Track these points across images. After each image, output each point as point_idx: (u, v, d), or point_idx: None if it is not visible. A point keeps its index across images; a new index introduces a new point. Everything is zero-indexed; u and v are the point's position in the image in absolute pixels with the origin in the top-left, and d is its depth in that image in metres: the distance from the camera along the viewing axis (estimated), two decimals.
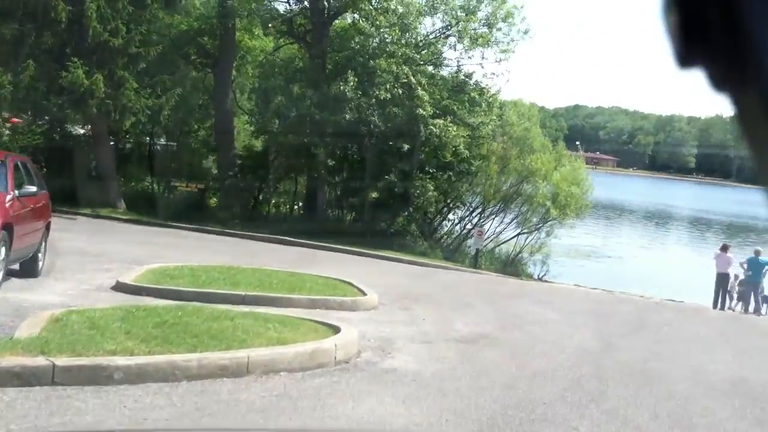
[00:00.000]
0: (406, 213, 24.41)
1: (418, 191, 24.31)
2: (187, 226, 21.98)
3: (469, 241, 25.44)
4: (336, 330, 8.13)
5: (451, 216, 26.77)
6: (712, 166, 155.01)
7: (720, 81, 0.65)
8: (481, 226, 24.66)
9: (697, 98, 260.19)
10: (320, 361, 7.08)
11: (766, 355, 11.36)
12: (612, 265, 32.22)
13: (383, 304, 12.18)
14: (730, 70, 0.64)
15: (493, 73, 25.21)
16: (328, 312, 10.71)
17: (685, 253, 39.77)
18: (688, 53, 0.65)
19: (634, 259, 34.47)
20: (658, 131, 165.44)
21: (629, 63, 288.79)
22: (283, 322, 8.12)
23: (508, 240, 26.10)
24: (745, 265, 20.76)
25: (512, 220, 26.19)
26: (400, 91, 23.66)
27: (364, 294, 12.43)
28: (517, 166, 25.08)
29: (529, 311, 13.51)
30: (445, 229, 26.82)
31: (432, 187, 24.66)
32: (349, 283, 13.34)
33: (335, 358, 7.29)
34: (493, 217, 26.16)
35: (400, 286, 14.86)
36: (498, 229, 26.29)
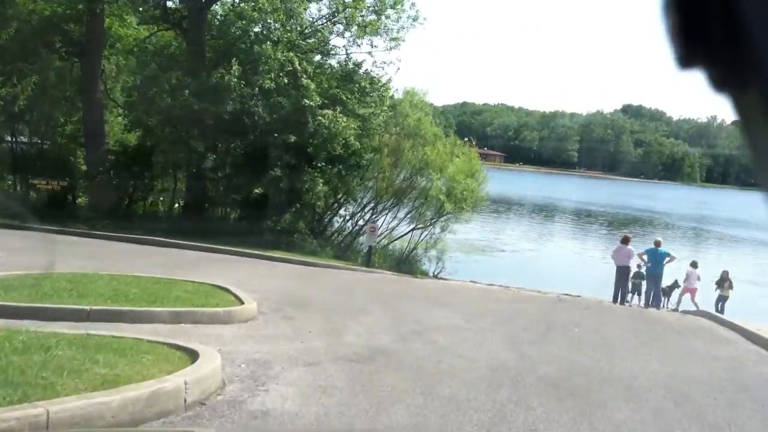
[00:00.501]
0: (294, 210, 22.57)
1: (306, 186, 22.53)
2: (50, 227, 19.46)
3: (362, 238, 23.80)
4: (193, 357, 6.27)
5: (342, 212, 25.04)
6: (594, 160, 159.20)
7: (720, 82, 0.64)
8: (374, 222, 23.03)
9: (579, 94, 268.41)
10: (163, 407, 5.18)
11: (691, 358, 10.12)
12: (506, 259, 31.25)
13: (264, 314, 10.39)
14: (730, 72, 0.62)
15: (384, 62, 23.75)
16: (195, 328, 8.85)
17: (573, 245, 39.35)
18: (688, 55, 0.64)
19: (527, 253, 33.65)
20: (542, 127, 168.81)
21: (513, 60, 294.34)
22: (123, 349, 6.18)
23: (402, 236, 24.61)
24: (645, 257, 19.84)
25: (406, 216, 24.71)
26: (286, 80, 21.84)
27: (242, 302, 10.59)
28: (411, 159, 23.61)
29: (429, 315, 11.96)
30: (336, 226, 25.08)
31: (321, 182, 22.92)
32: (226, 290, 11.49)
33: (185, 400, 5.43)
34: (386, 212, 24.62)
35: (286, 291, 13.10)
36: (391, 225, 24.76)
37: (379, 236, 23.95)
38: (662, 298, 20.24)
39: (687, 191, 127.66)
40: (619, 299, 19.91)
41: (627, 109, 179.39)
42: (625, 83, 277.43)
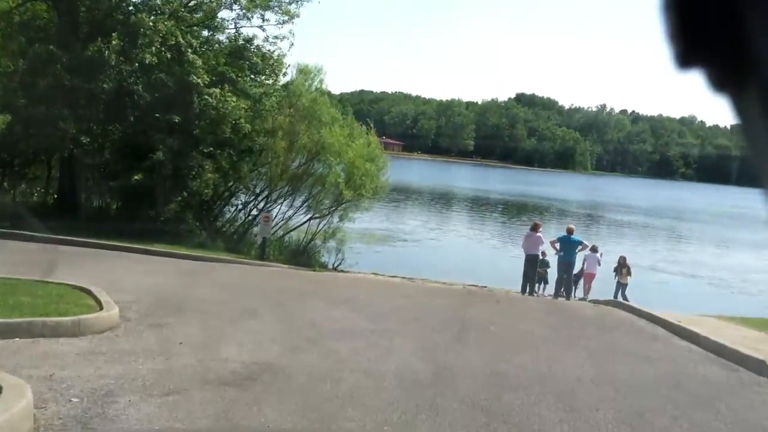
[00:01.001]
0: (180, 199, 20.52)
1: (193, 172, 20.53)
2: None
3: (256, 229, 21.94)
4: None
5: (234, 201, 23.05)
6: (489, 149, 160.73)
7: (719, 82, 0.64)
8: (269, 212, 21.17)
9: (475, 82, 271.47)
10: None
11: (626, 361, 8.84)
12: (409, 249, 29.94)
13: (128, 321, 8.53)
14: (730, 72, 0.62)
15: (276, 37, 21.77)
16: (32, 344, 6.96)
17: (475, 234, 38.43)
18: (687, 55, 0.64)
19: (429, 242, 32.44)
20: (439, 116, 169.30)
21: (411, 48, 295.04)
22: None
23: (298, 226, 22.87)
24: (558, 245, 18.69)
25: (303, 204, 22.97)
26: (169, 55, 19.73)
27: (101, 308, 8.69)
28: (307, 143, 21.85)
29: (327, 316, 10.33)
30: (228, 216, 23.10)
31: (210, 168, 20.96)
32: (87, 292, 9.58)
33: None
34: (282, 201, 22.81)
35: (163, 290, 11.23)
36: (288, 215, 22.98)
37: (274, 226, 22.17)
38: (572, 288, 19.20)
39: (579, 179, 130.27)
40: (528, 290, 18.78)
41: (521, 98, 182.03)
42: (519, 72, 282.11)
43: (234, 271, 15.92)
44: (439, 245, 31.78)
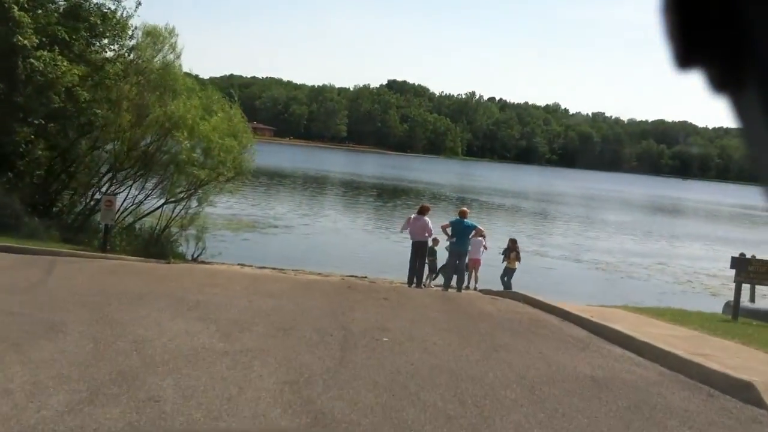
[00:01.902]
0: (6, 180, 17.11)
1: (21, 149, 17.14)
2: None
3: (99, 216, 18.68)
4: None
5: (72, 184, 19.60)
6: (362, 135, 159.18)
7: (719, 83, 0.63)
8: (113, 195, 17.92)
9: (346, 67, 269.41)
10: None
11: (569, 389, 6.54)
12: (280, 236, 27.19)
13: None
14: (730, 72, 0.62)
15: None
16: None
17: (349, 219, 36.03)
18: (687, 55, 0.63)
19: (302, 229, 29.77)
20: (311, 101, 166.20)
21: (280, 33, 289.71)
22: None
23: (151, 212, 19.75)
24: (450, 230, 16.34)
25: (157, 187, 19.85)
26: None
27: None
28: (159, 116, 18.72)
29: (164, 330, 7.59)
30: (66, 200, 19.65)
31: (41, 145, 17.61)
32: None
33: None
34: (130, 183, 19.58)
35: None
36: (139, 199, 19.81)
37: (123, 212, 19.02)
38: (465, 278, 17.00)
39: (451, 164, 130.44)
40: (415, 281, 16.52)
41: (392, 85, 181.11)
42: (390, 58, 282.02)
43: (63, 266, 12.80)
44: (313, 231, 29.17)
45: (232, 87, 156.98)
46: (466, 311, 11.12)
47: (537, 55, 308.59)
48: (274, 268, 19.52)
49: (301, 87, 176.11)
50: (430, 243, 17.02)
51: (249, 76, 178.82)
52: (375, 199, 50.17)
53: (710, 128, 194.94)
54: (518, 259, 18.42)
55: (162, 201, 19.56)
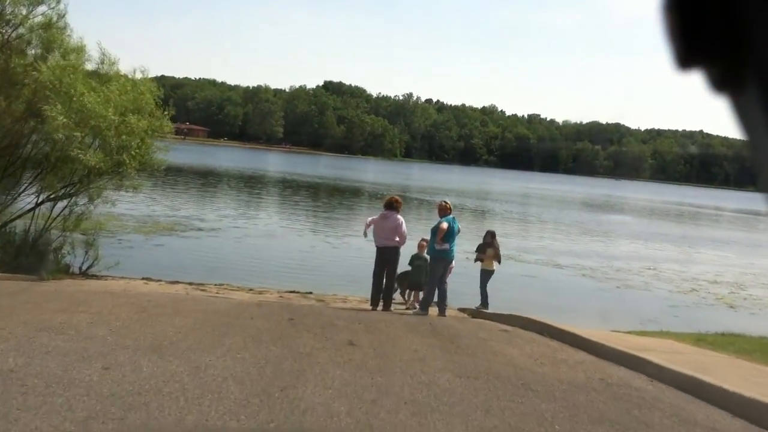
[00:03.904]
0: None
1: None
2: None
3: None
4: None
5: None
6: (299, 136, 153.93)
7: (719, 83, 0.62)
8: None
9: (281, 68, 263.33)
10: None
11: None
12: (206, 241, 22.20)
13: None
14: (730, 72, 0.61)
15: None
16: None
17: (287, 220, 31.12)
18: (687, 55, 0.62)
19: (233, 231, 24.81)
20: (246, 102, 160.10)
21: (211, 33, 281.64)
22: None
23: (25, 212, 14.68)
24: (444, 226, 11.53)
25: (32, 179, 14.80)
26: None
27: None
28: (29, 82, 13.67)
29: None
30: None
31: None
32: None
33: None
34: None
35: None
36: (10, 193, 14.74)
37: None
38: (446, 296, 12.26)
39: (389, 165, 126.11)
40: (382, 301, 11.87)
41: (329, 86, 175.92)
42: (326, 59, 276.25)
43: None
44: (245, 235, 24.21)
45: (164, 88, 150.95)
46: (492, 370, 6.48)
47: (473, 56, 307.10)
48: (190, 284, 14.70)
49: (235, 88, 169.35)
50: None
51: (181, 77, 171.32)
52: (314, 199, 45.26)
53: (642, 129, 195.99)
54: (497, 258, 13.74)
55: (38, 198, 14.53)
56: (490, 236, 13.76)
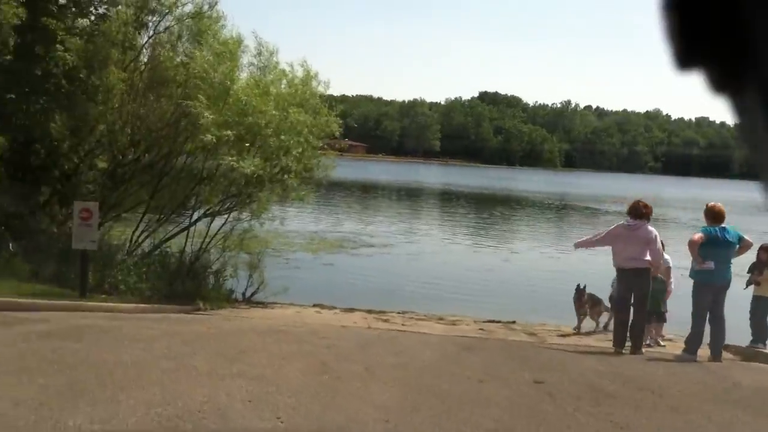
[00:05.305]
0: None
1: None
2: None
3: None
4: None
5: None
6: (456, 149, 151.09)
7: (719, 83, 0.61)
8: (92, 201, 10.75)
9: (437, 82, 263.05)
10: None
11: None
12: (377, 258, 19.64)
13: None
14: (730, 72, 0.60)
15: None
16: None
17: (468, 235, 28.15)
18: (687, 55, 0.61)
19: (407, 247, 22.15)
20: (402, 117, 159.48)
21: (367, 50, 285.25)
22: None
23: (179, 231, 12.60)
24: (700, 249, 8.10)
25: (188, 196, 12.71)
26: None
27: None
28: (180, 79, 11.54)
29: None
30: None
31: None
32: None
33: None
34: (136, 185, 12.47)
35: None
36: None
37: (138, 231, 11.95)
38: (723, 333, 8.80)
39: (553, 175, 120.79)
40: (629, 339, 8.64)
41: (484, 97, 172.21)
42: (480, 70, 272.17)
43: None
44: (419, 251, 21.50)
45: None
46: None
47: (633, 61, 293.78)
48: (369, 311, 12.10)
49: (391, 103, 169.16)
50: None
51: (339, 95, 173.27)
52: (488, 212, 41.99)
53: None
54: None
55: (195, 215, 12.42)
56: (765, 253, 10.12)
